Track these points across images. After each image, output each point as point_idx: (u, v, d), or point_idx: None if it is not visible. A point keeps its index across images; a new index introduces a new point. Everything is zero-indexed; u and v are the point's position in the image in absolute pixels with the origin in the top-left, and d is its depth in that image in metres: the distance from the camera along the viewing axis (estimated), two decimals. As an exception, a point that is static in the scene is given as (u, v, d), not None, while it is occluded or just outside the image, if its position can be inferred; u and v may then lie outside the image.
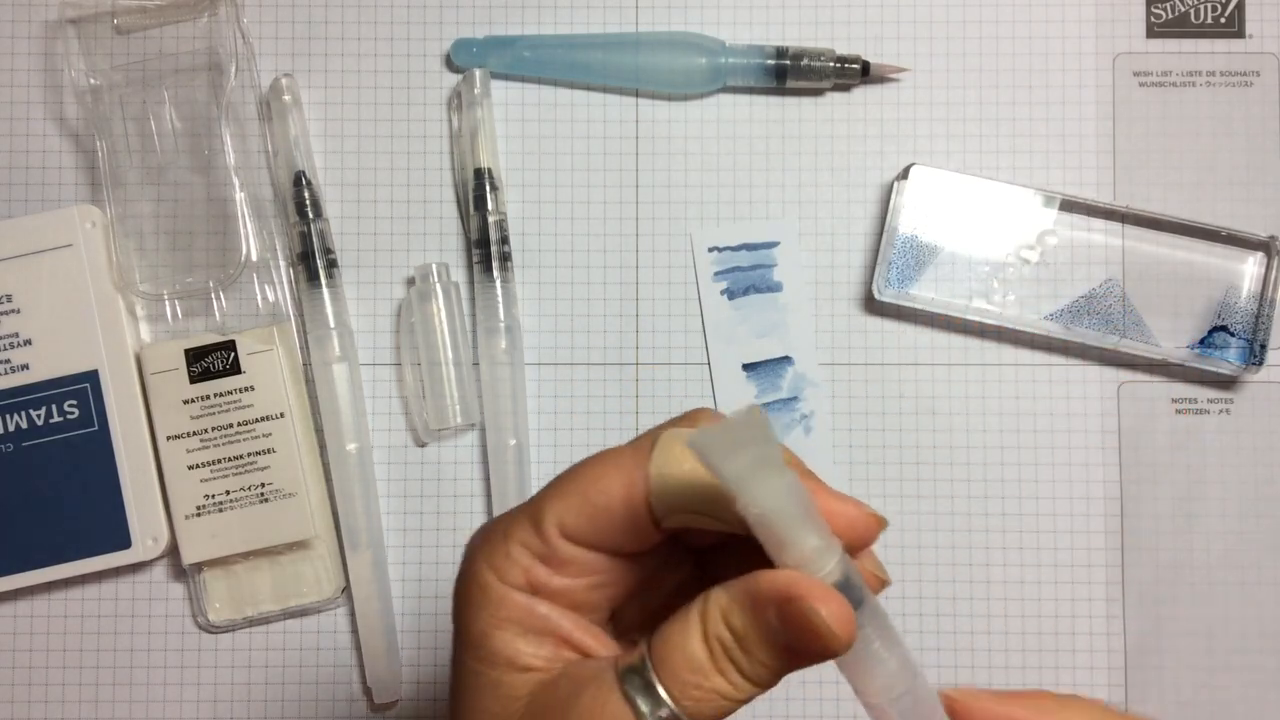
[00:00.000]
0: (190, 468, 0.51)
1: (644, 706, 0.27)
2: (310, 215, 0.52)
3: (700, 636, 0.28)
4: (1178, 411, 0.53)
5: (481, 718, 0.29)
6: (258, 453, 0.51)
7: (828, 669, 0.53)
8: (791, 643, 0.27)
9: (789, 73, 0.52)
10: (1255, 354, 0.51)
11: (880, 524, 0.30)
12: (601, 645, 0.30)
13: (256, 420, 0.51)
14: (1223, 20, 0.54)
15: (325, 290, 0.52)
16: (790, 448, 0.52)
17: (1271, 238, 0.52)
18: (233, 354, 0.51)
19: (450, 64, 0.54)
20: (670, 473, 0.29)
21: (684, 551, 0.32)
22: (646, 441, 0.30)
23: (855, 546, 0.29)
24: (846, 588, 0.27)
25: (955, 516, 0.52)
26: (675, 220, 0.54)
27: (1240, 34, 0.54)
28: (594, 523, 0.29)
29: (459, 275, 0.53)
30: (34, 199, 0.53)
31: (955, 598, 0.52)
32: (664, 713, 0.27)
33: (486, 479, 0.52)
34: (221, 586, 0.52)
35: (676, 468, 0.29)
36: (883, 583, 0.30)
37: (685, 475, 0.29)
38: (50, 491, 0.50)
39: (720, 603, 0.28)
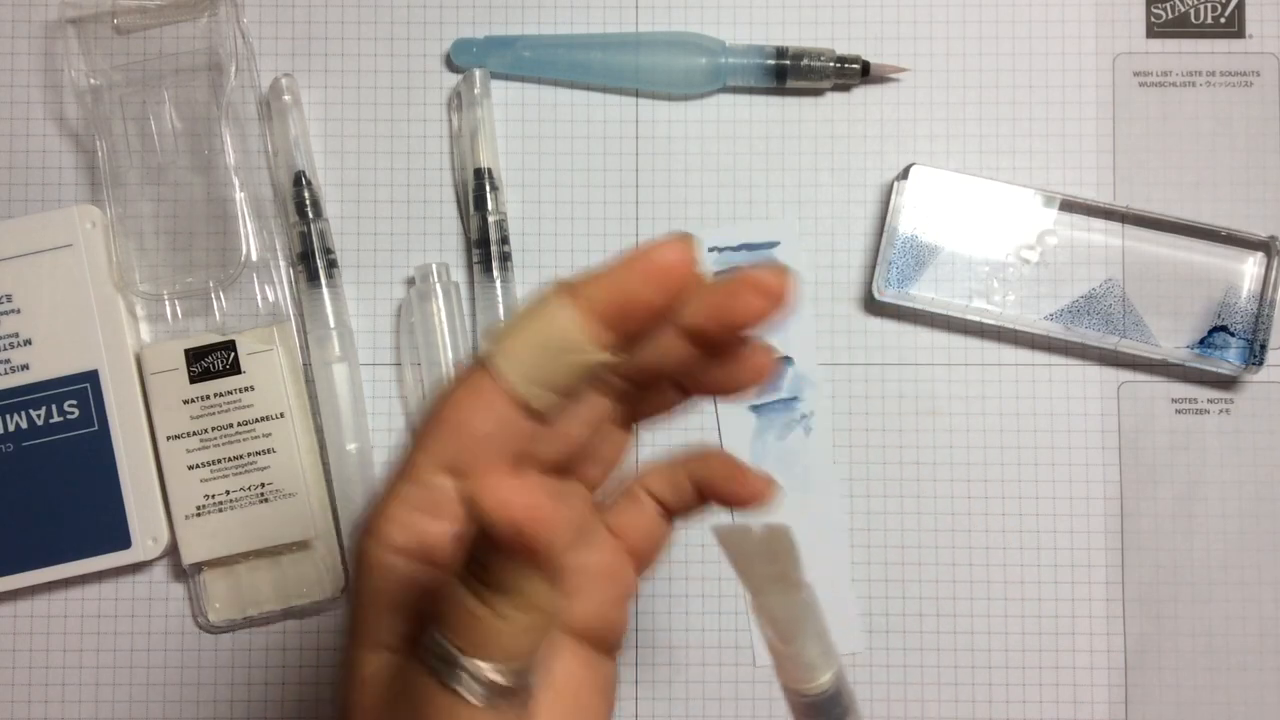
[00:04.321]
0: (190, 468, 0.51)
1: (453, 681, 0.26)
2: (310, 215, 0.52)
3: (467, 592, 0.26)
4: (1178, 411, 0.53)
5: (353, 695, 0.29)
6: (258, 453, 0.51)
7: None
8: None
9: (789, 73, 0.52)
10: (1255, 354, 0.51)
11: (773, 485, 0.31)
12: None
13: (256, 420, 0.51)
14: (1223, 20, 0.54)
15: (325, 290, 0.52)
16: (791, 451, 0.52)
17: (1271, 238, 0.52)
18: (233, 354, 0.51)
19: (450, 64, 0.54)
20: (523, 359, 0.28)
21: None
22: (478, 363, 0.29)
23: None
24: (836, 698, 0.31)
25: (955, 516, 0.52)
26: (675, 220, 0.54)
27: (1240, 34, 0.54)
28: (473, 453, 0.29)
29: (459, 275, 0.53)
30: (34, 199, 0.53)
31: (955, 597, 0.52)
32: (473, 678, 0.26)
33: (486, 479, 0.52)
34: (221, 586, 0.52)
35: (525, 352, 0.28)
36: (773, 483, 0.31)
37: (538, 348, 0.28)
38: (50, 491, 0.50)
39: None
